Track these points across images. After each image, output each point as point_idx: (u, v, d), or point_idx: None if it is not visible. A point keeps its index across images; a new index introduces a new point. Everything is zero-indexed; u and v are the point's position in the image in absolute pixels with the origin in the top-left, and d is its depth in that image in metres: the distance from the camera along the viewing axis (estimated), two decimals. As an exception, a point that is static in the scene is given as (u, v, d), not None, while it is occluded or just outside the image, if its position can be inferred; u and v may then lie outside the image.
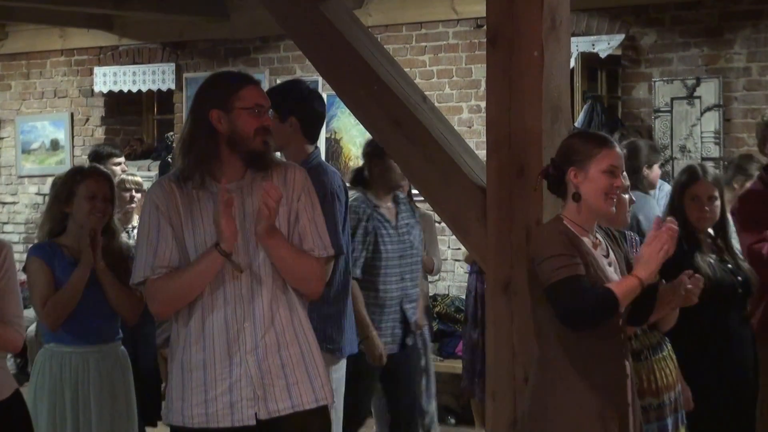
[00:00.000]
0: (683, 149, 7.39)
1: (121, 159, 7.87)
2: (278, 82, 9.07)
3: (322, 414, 3.59)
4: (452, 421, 7.93)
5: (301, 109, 4.56)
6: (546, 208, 3.61)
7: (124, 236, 4.77)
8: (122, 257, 4.60)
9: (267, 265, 3.51)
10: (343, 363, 4.79)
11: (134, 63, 9.86)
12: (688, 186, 4.40)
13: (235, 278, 3.48)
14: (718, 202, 4.39)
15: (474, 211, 3.78)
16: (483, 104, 6.99)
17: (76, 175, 4.60)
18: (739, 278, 4.38)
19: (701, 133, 7.32)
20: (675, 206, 4.44)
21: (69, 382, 4.51)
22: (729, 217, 4.59)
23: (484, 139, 3.76)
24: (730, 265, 4.40)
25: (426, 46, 8.42)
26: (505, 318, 3.67)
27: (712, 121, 7.28)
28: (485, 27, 3.77)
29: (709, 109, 7.29)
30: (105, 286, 4.47)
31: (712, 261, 4.36)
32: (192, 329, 3.50)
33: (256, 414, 3.46)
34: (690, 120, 7.35)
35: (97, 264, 4.45)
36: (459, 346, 7.44)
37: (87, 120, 10.17)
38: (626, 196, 3.57)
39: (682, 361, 4.29)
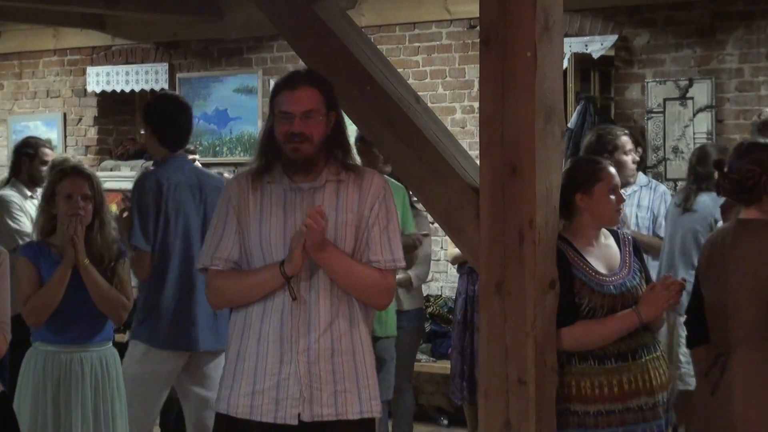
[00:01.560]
0: (676, 150, 7.40)
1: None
2: (272, 82, 9.07)
3: (366, 426, 3.58)
4: (444, 422, 7.94)
5: (154, 120, 5.20)
6: (539, 209, 3.61)
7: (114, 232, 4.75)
8: (110, 256, 4.60)
9: None
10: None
11: (127, 63, 9.85)
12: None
13: (298, 280, 3.49)
14: None
15: (467, 211, 3.79)
16: (476, 105, 6.99)
17: (56, 174, 4.63)
18: None
19: (694, 134, 7.33)
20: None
21: (51, 381, 4.52)
22: None
23: (477, 140, 3.76)
24: None
25: (419, 47, 8.43)
26: (498, 318, 3.68)
27: (704, 122, 7.29)
28: (478, 27, 3.77)
29: (701, 110, 7.31)
30: (88, 284, 4.48)
31: None
32: (251, 320, 3.54)
33: (299, 415, 3.48)
34: (683, 121, 7.36)
35: (79, 263, 4.45)
36: (452, 347, 7.44)
37: (80, 120, 10.16)
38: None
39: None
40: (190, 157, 6.89)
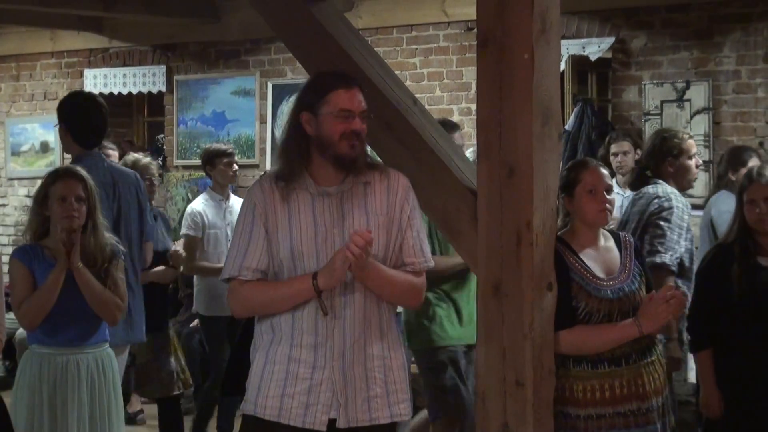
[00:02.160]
0: (673, 152, 7.39)
1: None
2: (270, 84, 9.08)
3: (392, 429, 3.60)
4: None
5: (68, 118, 5.27)
6: (536, 211, 3.61)
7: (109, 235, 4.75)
8: (103, 258, 4.59)
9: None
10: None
11: (125, 65, 9.86)
12: (745, 189, 4.42)
13: (331, 289, 3.45)
14: None
15: (465, 213, 3.79)
16: (473, 107, 7.01)
17: (49, 177, 4.62)
18: None
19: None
20: (737, 211, 4.46)
21: (47, 384, 4.52)
22: None
23: (475, 142, 3.76)
24: None
25: (416, 49, 8.43)
26: (495, 320, 3.68)
27: (701, 124, 7.30)
28: (476, 30, 3.77)
29: (698, 112, 7.31)
30: (82, 287, 4.47)
31: (763, 265, 4.35)
32: (282, 326, 3.50)
33: (330, 420, 3.46)
34: (680, 123, 7.36)
35: (73, 266, 4.44)
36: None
37: (77, 122, 10.14)
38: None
39: (721, 367, 4.39)
40: (110, 152, 6.93)
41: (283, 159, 3.56)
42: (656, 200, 4.93)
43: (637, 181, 5.27)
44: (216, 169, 6.90)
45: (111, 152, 6.95)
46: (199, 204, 6.90)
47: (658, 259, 4.67)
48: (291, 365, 3.48)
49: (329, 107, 3.44)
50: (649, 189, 5.01)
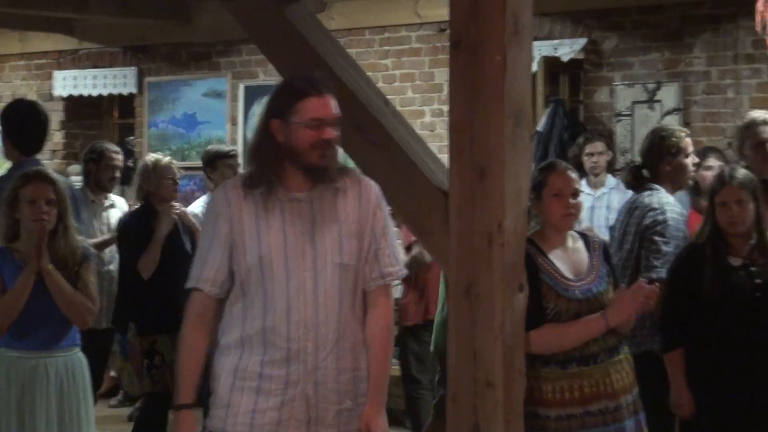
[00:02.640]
0: (644, 153, 7.42)
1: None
2: (241, 86, 9.05)
3: None
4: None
5: (8, 125, 5.41)
6: (508, 212, 3.61)
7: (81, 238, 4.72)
8: (74, 261, 4.57)
9: (335, 286, 3.41)
10: None
11: (95, 67, 9.80)
12: (717, 192, 4.41)
13: (303, 294, 3.36)
14: (750, 205, 4.36)
15: (436, 214, 3.79)
16: (445, 108, 7.01)
17: (19, 180, 4.59)
18: (758, 281, 4.33)
19: (662, 136, 7.35)
20: (709, 212, 4.46)
21: (15, 387, 4.49)
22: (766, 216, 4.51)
23: (447, 143, 3.76)
24: (753, 269, 4.36)
25: (389, 50, 8.43)
26: (466, 321, 3.68)
27: (671, 125, 7.32)
28: (448, 31, 3.77)
29: (669, 112, 7.35)
30: (52, 290, 4.44)
31: (734, 266, 4.35)
32: (252, 340, 3.39)
33: None
34: (651, 124, 7.37)
35: (42, 268, 4.42)
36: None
37: (47, 124, 10.08)
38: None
39: (693, 367, 4.38)
40: (116, 156, 6.81)
41: (252, 165, 3.47)
42: (650, 213, 4.86)
43: (635, 181, 5.17)
44: (217, 171, 6.73)
45: (116, 156, 6.80)
46: (198, 207, 6.70)
47: (654, 275, 4.64)
48: (263, 381, 3.38)
49: (300, 116, 3.34)
50: (644, 199, 4.92)
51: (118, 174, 6.65)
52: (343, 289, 3.42)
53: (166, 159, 6.21)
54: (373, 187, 3.50)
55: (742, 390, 4.29)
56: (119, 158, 6.74)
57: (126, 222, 6.10)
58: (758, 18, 4.39)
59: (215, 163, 6.77)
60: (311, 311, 3.37)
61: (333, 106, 3.40)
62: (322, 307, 3.38)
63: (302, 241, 3.38)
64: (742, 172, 4.45)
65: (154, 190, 5.98)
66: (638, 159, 5.33)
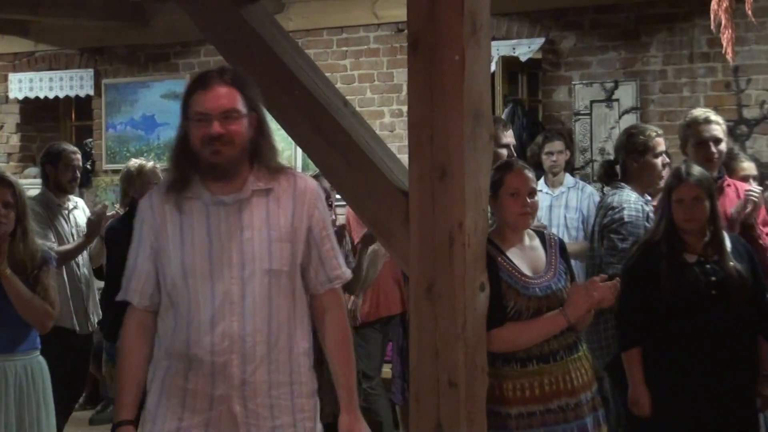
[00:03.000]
0: (603, 151, 7.48)
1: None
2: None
3: None
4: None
5: None
6: (468, 211, 3.62)
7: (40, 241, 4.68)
8: (33, 264, 4.53)
9: (264, 294, 3.21)
10: None
11: (51, 69, 9.72)
12: (673, 189, 4.42)
13: (228, 304, 3.16)
14: (705, 203, 4.38)
15: (396, 215, 3.78)
16: (404, 108, 7.01)
17: None
18: (714, 278, 4.34)
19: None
20: (663, 209, 4.46)
21: None
22: (720, 215, 4.54)
23: (406, 143, 3.76)
24: (708, 266, 4.37)
25: (347, 51, 8.42)
26: (428, 321, 3.68)
27: (629, 124, 7.37)
28: (406, 31, 3.77)
29: (627, 111, 7.40)
30: (10, 293, 4.41)
31: (689, 263, 4.37)
32: (178, 352, 3.20)
33: None
34: (609, 122, 7.44)
35: (0, 272, 4.38)
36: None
37: (1, 127, 10.00)
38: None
39: (650, 365, 4.38)
40: (75, 156, 6.70)
41: (172, 167, 3.27)
42: (610, 211, 4.96)
43: (605, 176, 5.32)
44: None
45: (74, 156, 6.69)
46: None
47: (610, 270, 4.68)
48: (188, 397, 3.20)
49: (189, 112, 3.19)
50: (608, 198, 5.03)
51: (78, 174, 6.55)
52: (275, 297, 3.23)
53: (150, 164, 6.22)
54: (309, 186, 3.31)
55: (699, 387, 4.29)
56: (78, 158, 6.63)
57: (114, 228, 6.05)
58: (713, 16, 4.41)
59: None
60: (237, 322, 3.17)
61: (221, 96, 3.16)
62: (250, 317, 3.18)
63: (228, 248, 3.19)
64: (698, 170, 4.48)
65: (140, 196, 5.93)
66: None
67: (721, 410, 4.32)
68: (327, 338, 3.36)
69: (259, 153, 3.24)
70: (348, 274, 3.42)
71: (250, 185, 3.22)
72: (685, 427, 4.35)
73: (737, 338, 4.36)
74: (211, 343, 3.16)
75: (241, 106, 3.19)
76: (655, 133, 5.13)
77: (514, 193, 3.92)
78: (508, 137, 5.31)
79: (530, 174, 4.01)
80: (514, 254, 3.92)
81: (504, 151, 5.27)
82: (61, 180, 6.41)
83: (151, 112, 9.29)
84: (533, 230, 4.07)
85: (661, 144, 5.13)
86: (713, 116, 5.21)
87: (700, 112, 5.27)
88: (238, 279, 3.18)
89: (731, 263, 4.38)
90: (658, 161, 5.11)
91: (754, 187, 5.09)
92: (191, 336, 3.17)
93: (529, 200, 3.93)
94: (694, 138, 5.13)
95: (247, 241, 3.19)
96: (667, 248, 4.39)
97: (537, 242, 4.01)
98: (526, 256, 3.95)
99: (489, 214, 3.97)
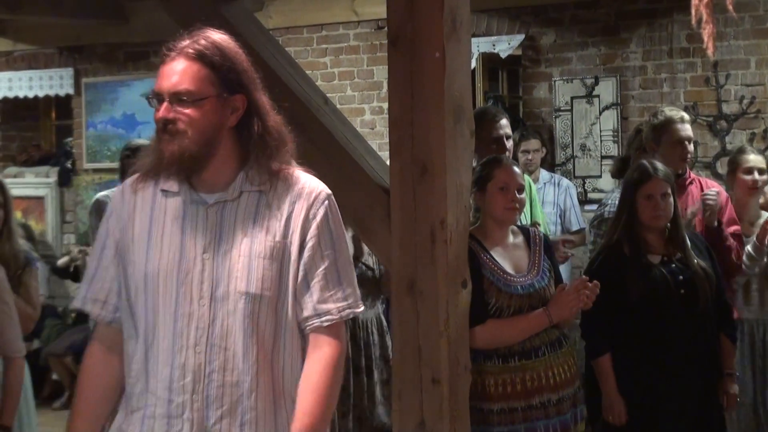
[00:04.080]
0: (584, 147, 7.49)
1: None
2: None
3: None
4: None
5: None
6: (450, 208, 3.62)
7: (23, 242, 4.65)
8: (17, 265, 4.50)
9: (239, 322, 2.56)
10: None
11: (30, 68, 9.67)
12: (642, 184, 4.34)
13: (193, 330, 2.55)
14: (671, 199, 4.34)
15: (378, 212, 3.78)
16: (385, 105, 7.00)
17: None
18: (681, 278, 4.29)
19: (600, 131, 7.43)
20: (626, 206, 4.37)
21: None
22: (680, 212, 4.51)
23: (387, 140, 3.76)
24: (674, 266, 4.33)
25: (327, 48, 8.41)
26: (410, 318, 3.68)
27: (610, 120, 7.39)
28: (386, 28, 3.77)
29: (607, 107, 7.41)
30: None
31: (654, 263, 4.32)
32: (136, 385, 2.62)
33: None
34: (589, 119, 7.45)
35: None
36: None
37: (-19, 127, 9.96)
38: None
39: (622, 371, 4.27)
40: None
41: (151, 148, 2.68)
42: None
43: (617, 173, 5.40)
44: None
45: None
46: None
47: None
48: None
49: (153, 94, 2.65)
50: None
51: None
52: (254, 326, 2.57)
53: None
54: (315, 191, 2.66)
55: (672, 390, 4.24)
56: None
57: None
58: (693, 11, 4.43)
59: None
60: (203, 354, 2.54)
61: (173, 75, 2.58)
62: (219, 349, 2.54)
63: (202, 260, 2.57)
64: (662, 165, 4.45)
65: None
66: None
67: (694, 412, 4.27)
68: (303, 374, 2.64)
69: (253, 146, 2.63)
70: (354, 308, 2.68)
71: (238, 185, 2.61)
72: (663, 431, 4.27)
73: (704, 337, 4.32)
74: (170, 377, 2.55)
75: (201, 87, 2.56)
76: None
77: (503, 187, 3.93)
78: (505, 128, 5.14)
79: (518, 170, 4.02)
80: (497, 251, 3.92)
81: (509, 143, 5.11)
82: None
83: (131, 110, 9.25)
84: (518, 227, 4.07)
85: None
86: (686, 116, 5.26)
87: (674, 111, 5.28)
88: (209, 300, 2.55)
89: (695, 261, 4.34)
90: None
91: (711, 191, 5.07)
92: (149, 366, 2.58)
93: (517, 195, 3.95)
94: (669, 136, 5.14)
95: (224, 253, 2.57)
96: (630, 250, 4.31)
97: (521, 239, 4.01)
98: (510, 254, 3.95)
99: (473, 210, 3.98)
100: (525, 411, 3.81)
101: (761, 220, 5.30)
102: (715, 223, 4.99)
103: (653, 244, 4.36)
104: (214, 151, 2.60)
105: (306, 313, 2.63)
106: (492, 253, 3.90)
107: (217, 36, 2.66)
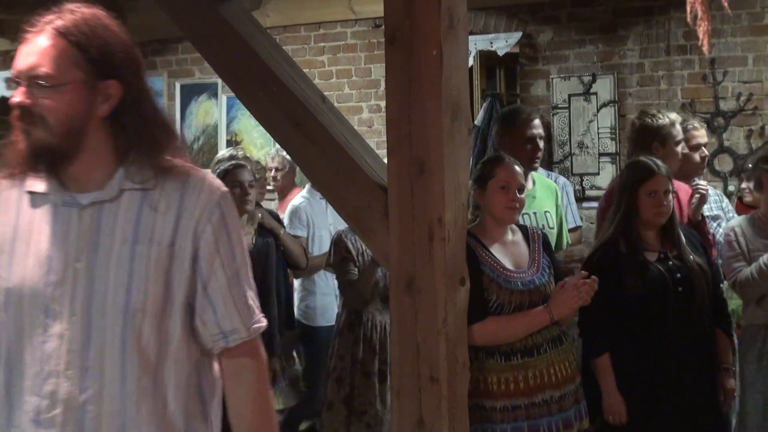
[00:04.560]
0: (581, 145, 7.50)
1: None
2: (178, 84, 8.98)
3: None
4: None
5: None
6: (448, 206, 3.62)
7: None
8: None
9: (117, 343, 2.21)
10: None
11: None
12: (645, 181, 4.33)
13: (64, 353, 2.19)
14: (671, 196, 4.34)
15: (376, 210, 3.78)
16: (383, 104, 7.02)
17: None
18: (678, 275, 4.28)
19: (598, 128, 7.43)
20: (627, 204, 4.34)
21: None
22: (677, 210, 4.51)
23: (385, 139, 3.76)
24: (671, 263, 4.31)
25: (325, 47, 8.41)
26: (409, 316, 3.68)
27: (608, 117, 7.40)
28: (383, 27, 3.77)
29: (604, 105, 7.42)
30: None
31: (651, 261, 4.31)
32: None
33: None
34: (587, 116, 7.46)
35: None
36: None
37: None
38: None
39: (621, 369, 4.24)
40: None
41: (15, 141, 2.29)
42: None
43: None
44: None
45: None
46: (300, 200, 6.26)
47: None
48: None
49: None
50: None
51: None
52: (135, 347, 2.22)
53: (241, 153, 5.76)
54: (209, 191, 2.29)
55: (674, 388, 4.23)
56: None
57: None
58: (689, 8, 4.43)
59: None
60: (75, 380, 2.19)
61: (30, 54, 2.23)
62: (95, 375, 2.19)
63: (74, 271, 2.21)
64: (662, 162, 4.45)
65: None
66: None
67: (693, 408, 4.27)
68: (230, 416, 2.34)
69: (132, 139, 2.27)
70: (258, 327, 2.35)
71: (116, 182, 2.25)
72: (661, 430, 4.26)
73: (701, 334, 4.32)
74: (36, 408, 2.20)
75: (63, 70, 2.20)
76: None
77: (504, 186, 3.94)
78: (538, 128, 5.14)
79: (520, 169, 4.03)
80: (496, 248, 3.93)
81: (542, 143, 5.12)
82: None
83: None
84: (516, 225, 4.08)
85: (674, 135, 5.10)
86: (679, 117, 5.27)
87: (674, 116, 5.24)
88: (82, 317, 2.19)
89: (691, 257, 4.33)
90: (678, 149, 5.06)
91: (702, 182, 5.06)
92: (12, 394, 2.23)
93: (518, 195, 3.95)
94: (678, 140, 5.10)
95: (100, 263, 2.21)
96: (627, 247, 4.30)
97: (519, 237, 4.02)
98: (509, 251, 3.96)
99: (472, 208, 3.98)
100: (528, 408, 3.82)
101: None
102: (699, 217, 4.98)
103: (650, 242, 4.35)
104: (81, 145, 2.22)
105: (209, 331, 2.30)
106: (491, 250, 3.91)
107: (88, 10, 2.27)
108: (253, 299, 2.33)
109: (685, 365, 4.26)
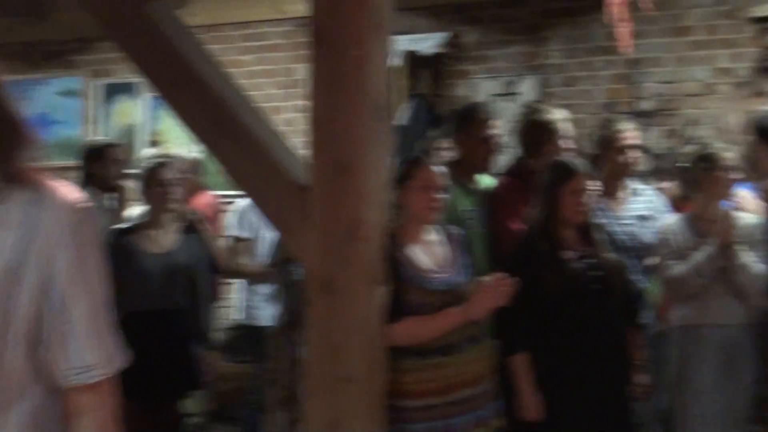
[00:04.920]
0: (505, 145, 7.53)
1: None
2: (98, 84, 8.86)
3: None
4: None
5: None
6: (369, 207, 3.62)
7: None
8: None
9: (18, 366, 1.94)
10: None
11: (-56, 66, 9.48)
12: (567, 181, 4.35)
13: None
14: (590, 194, 4.37)
15: (297, 210, 3.77)
16: (306, 104, 6.97)
17: None
18: (594, 273, 4.30)
19: (522, 129, 7.47)
20: (547, 203, 4.36)
21: None
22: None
23: (308, 139, 3.75)
24: (587, 261, 4.34)
25: (249, 46, 8.36)
26: (326, 316, 3.67)
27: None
28: (309, 27, 3.76)
29: (528, 105, 7.46)
30: None
31: (569, 259, 4.32)
32: None
33: None
34: (511, 116, 7.49)
35: None
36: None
37: None
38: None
39: (537, 367, 4.25)
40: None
41: None
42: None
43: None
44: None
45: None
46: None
47: None
48: None
49: None
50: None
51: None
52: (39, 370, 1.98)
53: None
54: (66, 204, 1.97)
55: (589, 385, 4.24)
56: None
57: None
58: (608, 10, 4.48)
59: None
60: None
61: None
62: None
63: None
64: (581, 161, 4.49)
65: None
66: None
67: (609, 406, 4.30)
68: None
69: None
70: (119, 364, 2.06)
71: None
72: (581, 427, 4.27)
73: (616, 331, 4.36)
74: None
75: None
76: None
77: (425, 186, 3.93)
78: (494, 129, 5.11)
79: (440, 170, 4.02)
80: (415, 249, 3.93)
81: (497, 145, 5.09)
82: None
83: (46, 109, 9.11)
84: (438, 226, 4.08)
85: (621, 138, 5.18)
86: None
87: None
88: None
89: (606, 254, 4.37)
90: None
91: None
92: None
93: (438, 195, 3.95)
94: (563, 136, 5.18)
95: None
96: (546, 246, 4.32)
97: (439, 237, 4.03)
98: (427, 251, 3.96)
99: (393, 208, 3.98)
100: (443, 407, 3.82)
101: None
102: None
103: (567, 240, 4.38)
104: None
105: (61, 365, 1.98)
106: (410, 250, 3.91)
107: None
108: (113, 330, 2.04)
109: (599, 362, 4.27)
